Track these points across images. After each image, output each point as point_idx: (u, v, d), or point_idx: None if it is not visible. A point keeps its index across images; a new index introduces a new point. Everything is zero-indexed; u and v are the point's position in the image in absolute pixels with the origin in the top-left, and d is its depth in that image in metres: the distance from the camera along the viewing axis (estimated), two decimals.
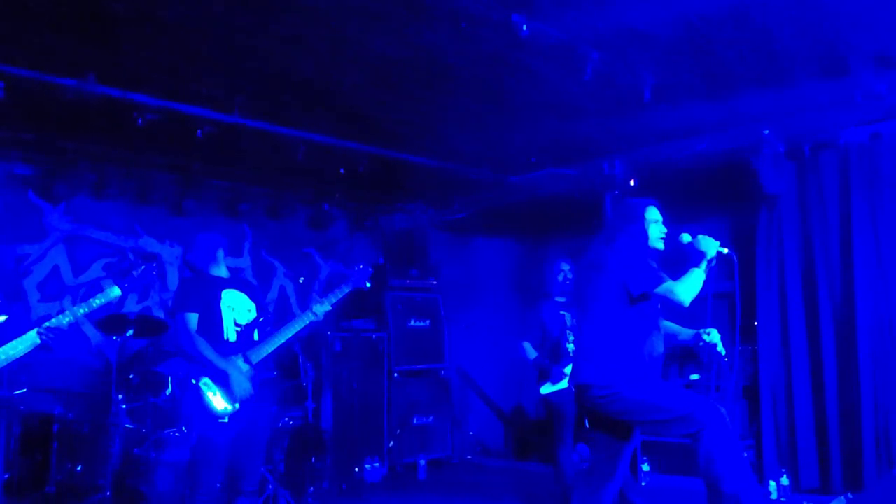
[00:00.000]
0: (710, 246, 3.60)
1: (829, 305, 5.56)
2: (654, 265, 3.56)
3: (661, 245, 3.72)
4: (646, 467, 6.20)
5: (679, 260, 3.64)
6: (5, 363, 2.73)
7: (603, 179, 6.23)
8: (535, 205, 7.31)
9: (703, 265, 3.55)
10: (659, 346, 3.61)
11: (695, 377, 6.34)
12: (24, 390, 5.01)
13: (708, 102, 5.24)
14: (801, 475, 5.57)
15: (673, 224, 3.89)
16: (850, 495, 5.17)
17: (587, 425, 4.11)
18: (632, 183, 6.08)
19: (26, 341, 2.78)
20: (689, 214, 6.19)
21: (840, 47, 4.51)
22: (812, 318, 5.65)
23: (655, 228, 3.72)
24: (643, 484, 6.19)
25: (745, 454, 5.54)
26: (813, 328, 5.64)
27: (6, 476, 4.86)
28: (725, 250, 3.64)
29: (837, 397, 5.47)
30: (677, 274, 3.53)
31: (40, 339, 2.80)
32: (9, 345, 2.74)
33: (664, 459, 6.13)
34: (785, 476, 5.52)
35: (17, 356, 2.76)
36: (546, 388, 5.20)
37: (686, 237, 3.69)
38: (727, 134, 5.68)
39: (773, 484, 5.49)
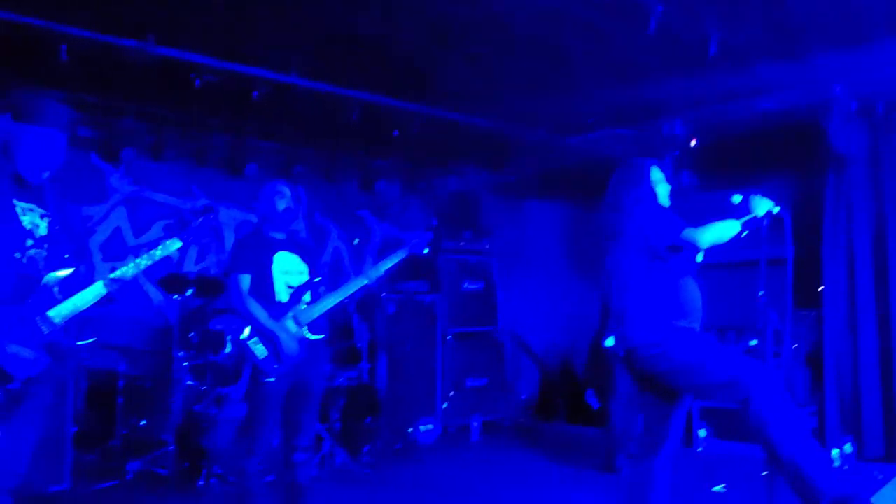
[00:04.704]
0: (761, 205, 3.46)
1: None
2: (673, 215, 3.45)
3: (667, 203, 3.61)
4: (703, 433, 6.13)
5: None
6: (73, 314, 2.77)
7: (663, 140, 6.06)
8: (591, 167, 7.14)
9: (744, 219, 3.42)
10: (696, 300, 3.50)
11: (753, 343, 6.21)
12: (94, 339, 5.17)
13: (776, 60, 5.03)
14: (866, 443, 5.44)
15: (734, 186, 3.76)
16: None
17: (638, 388, 4.06)
18: (693, 143, 5.90)
19: (93, 292, 2.81)
20: (752, 176, 6.02)
21: None
22: (881, 283, 5.46)
23: (662, 188, 3.62)
24: (700, 450, 6.13)
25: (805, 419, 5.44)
26: (882, 294, 5.46)
27: (75, 429, 5.03)
28: (778, 208, 3.50)
29: None
30: None
31: (106, 289, 2.82)
32: (76, 296, 2.78)
33: (722, 425, 6.06)
34: (849, 444, 5.39)
35: (85, 307, 2.79)
36: (611, 341, 5.25)
37: (737, 198, 3.56)
38: (795, 92, 5.46)
39: (836, 451, 5.36)
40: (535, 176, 7.86)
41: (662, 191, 3.61)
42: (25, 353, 2.57)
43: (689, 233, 3.33)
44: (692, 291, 3.48)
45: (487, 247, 7.81)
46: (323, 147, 7.07)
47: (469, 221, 7.77)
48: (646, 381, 3.54)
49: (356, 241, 7.45)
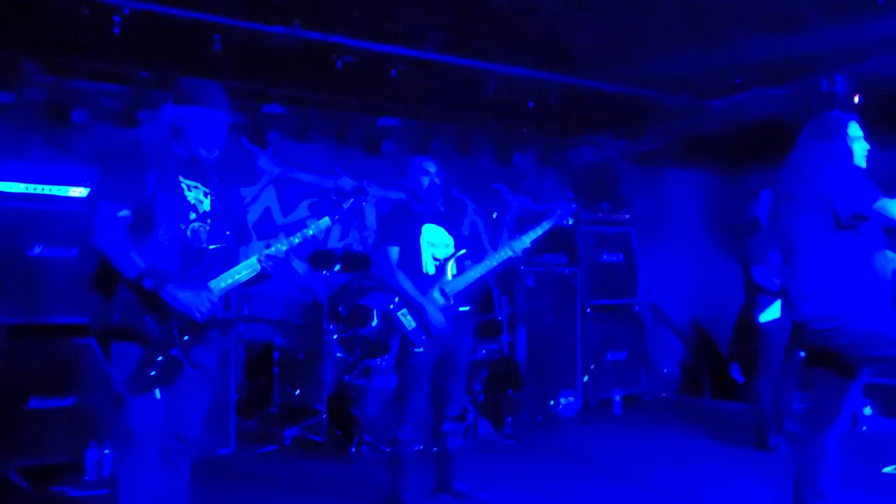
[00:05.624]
0: None
1: None
2: (868, 180, 3.11)
3: (864, 164, 3.27)
4: (868, 410, 5.75)
5: None
6: (231, 287, 2.91)
7: (820, 98, 5.61)
8: (736, 132, 6.80)
9: None
10: (886, 269, 3.19)
11: None
12: (249, 313, 5.49)
13: None
14: None
15: None
16: None
17: (806, 363, 3.84)
18: (856, 100, 5.44)
19: (248, 267, 2.93)
20: None
21: None
22: None
23: (859, 146, 3.27)
24: (864, 428, 5.75)
25: None
26: None
27: (236, 397, 5.37)
28: None
29: None
30: None
31: (260, 265, 2.94)
32: (233, 269, 2.91)
33: (888, 402, 5.67)
34: None
35: (241, 281, 2.93)
36: (765, 316, 5.10)
37: None
38: None
39: None
40: (675, 143, 7.55)
41: (859, 150, 3.28)
42: (197, 301, 2.72)
43: (886, 205, 3.00)
44: (882, 264, 3.17)
45: (627, 217, 7.61)
46: (458, 121, 7.10)
47: (606, 192, 7.59)
48: (818, 356, 3.31)
49: (495, 214, 7.45)
